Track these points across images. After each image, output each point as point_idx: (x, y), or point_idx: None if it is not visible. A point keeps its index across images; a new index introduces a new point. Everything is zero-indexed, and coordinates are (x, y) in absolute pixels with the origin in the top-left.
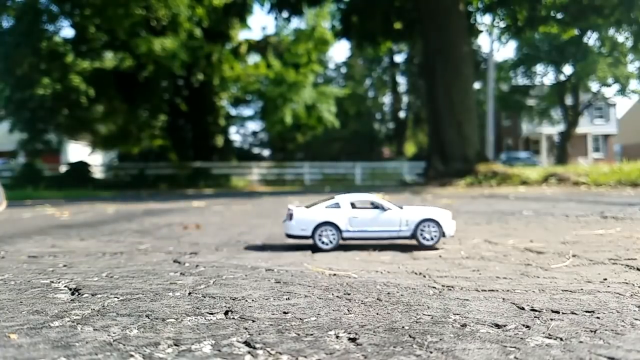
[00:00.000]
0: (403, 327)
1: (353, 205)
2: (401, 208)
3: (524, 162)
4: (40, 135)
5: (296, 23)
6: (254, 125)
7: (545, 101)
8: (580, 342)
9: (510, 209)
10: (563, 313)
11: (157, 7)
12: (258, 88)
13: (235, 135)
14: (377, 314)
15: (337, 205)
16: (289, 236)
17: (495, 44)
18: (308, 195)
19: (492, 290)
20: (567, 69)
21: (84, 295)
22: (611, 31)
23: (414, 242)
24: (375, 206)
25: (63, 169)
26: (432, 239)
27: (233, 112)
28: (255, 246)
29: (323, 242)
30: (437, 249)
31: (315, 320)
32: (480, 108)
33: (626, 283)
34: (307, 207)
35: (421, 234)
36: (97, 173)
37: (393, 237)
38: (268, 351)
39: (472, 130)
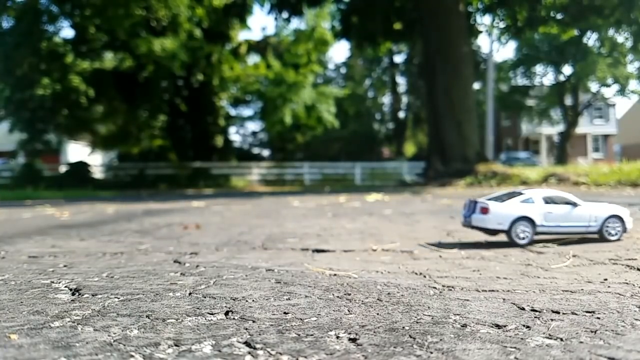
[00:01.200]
0: (403, 327)
1: (545, 201)
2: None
3: (524, 162)
4: (40, 135)
5: (296, 23)
6: (253, 126)
7: (545, 101)
8: (581, 342)
9: None
10: (563, 313)
11: (157, 7)
12: (258, 88)
13: (235, 135)
14: (378, 314)
15: (530, 200)
16: (478, 228)
17: (495, 44)
18: (308, 195)
19: (493, 291)
20: (567, 69)
21: (84, 296)
22: (611, 31)
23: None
24: (566, 202)
25: (63, 169)
26: (616, 234)
27: (233, 112)
28: (255, 246)
29: (519, 237)
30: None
31: (315, 320)
32: (480, 108)
33: (626, 283)
34: (497, 200)
35: (606, 230)
36: (97, 173)
37: (582, 232)
38: (268, 351)
39: (471, 130)
